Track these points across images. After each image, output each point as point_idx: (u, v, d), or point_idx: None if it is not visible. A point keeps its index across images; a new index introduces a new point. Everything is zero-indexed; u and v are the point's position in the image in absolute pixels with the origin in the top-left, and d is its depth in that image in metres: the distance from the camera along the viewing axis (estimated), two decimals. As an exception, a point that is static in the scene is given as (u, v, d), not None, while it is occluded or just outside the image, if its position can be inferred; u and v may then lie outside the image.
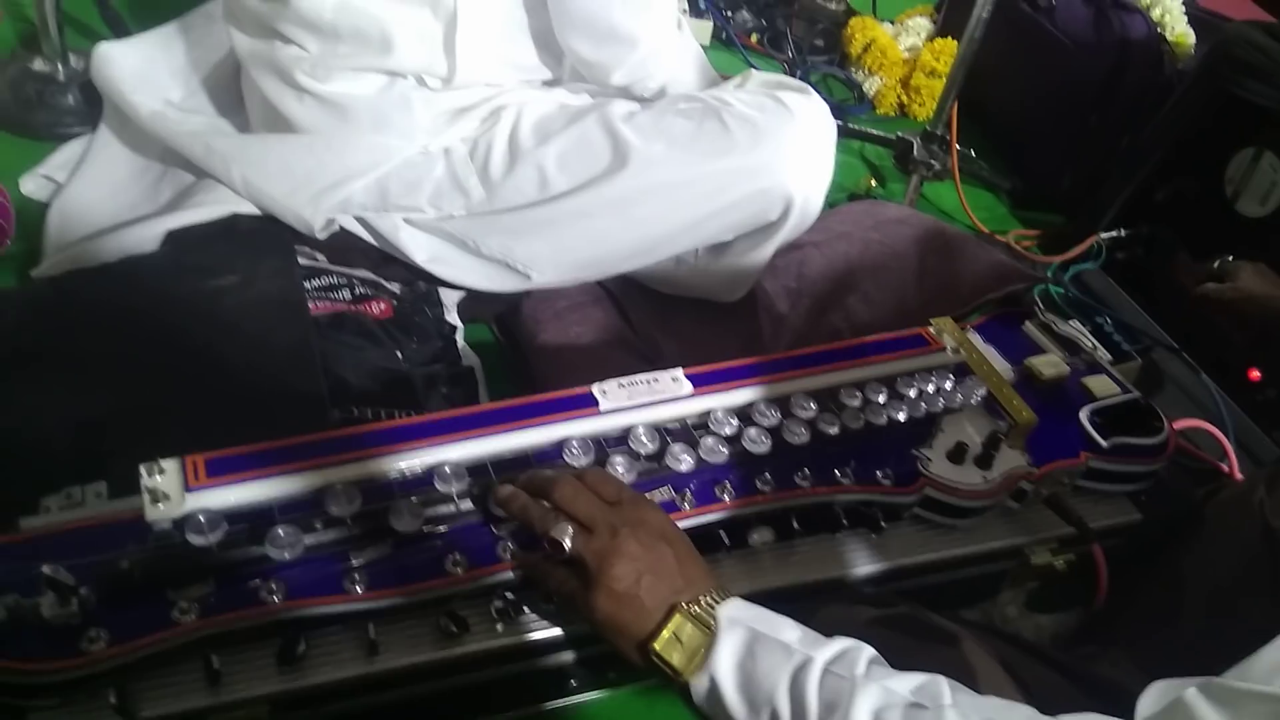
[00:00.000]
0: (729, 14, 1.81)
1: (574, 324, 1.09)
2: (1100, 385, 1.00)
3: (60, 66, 1.26)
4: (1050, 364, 1.00)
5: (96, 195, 1.08)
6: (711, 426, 0.81)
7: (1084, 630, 0.96)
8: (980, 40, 1.42)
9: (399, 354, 0.98)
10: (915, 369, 0.92)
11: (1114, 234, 1.44)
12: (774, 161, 0.97)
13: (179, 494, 0.61)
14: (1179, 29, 1.54)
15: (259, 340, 0.92)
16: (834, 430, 0.84)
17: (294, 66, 0.99)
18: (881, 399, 0.88)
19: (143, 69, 1.15)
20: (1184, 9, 1.60)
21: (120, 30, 1.32)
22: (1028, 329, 1.06)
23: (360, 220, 1.06)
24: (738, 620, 0.61)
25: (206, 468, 0.64)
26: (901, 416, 0.88)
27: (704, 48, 1.75)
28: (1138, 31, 1.52)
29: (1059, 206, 1.61)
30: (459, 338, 1.08)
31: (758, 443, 0.80)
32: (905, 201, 1.50)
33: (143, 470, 0.62)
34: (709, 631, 0.61)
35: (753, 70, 1.09)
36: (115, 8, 1.34)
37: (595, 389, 0.80)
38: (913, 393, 0.89)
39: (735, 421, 0.81)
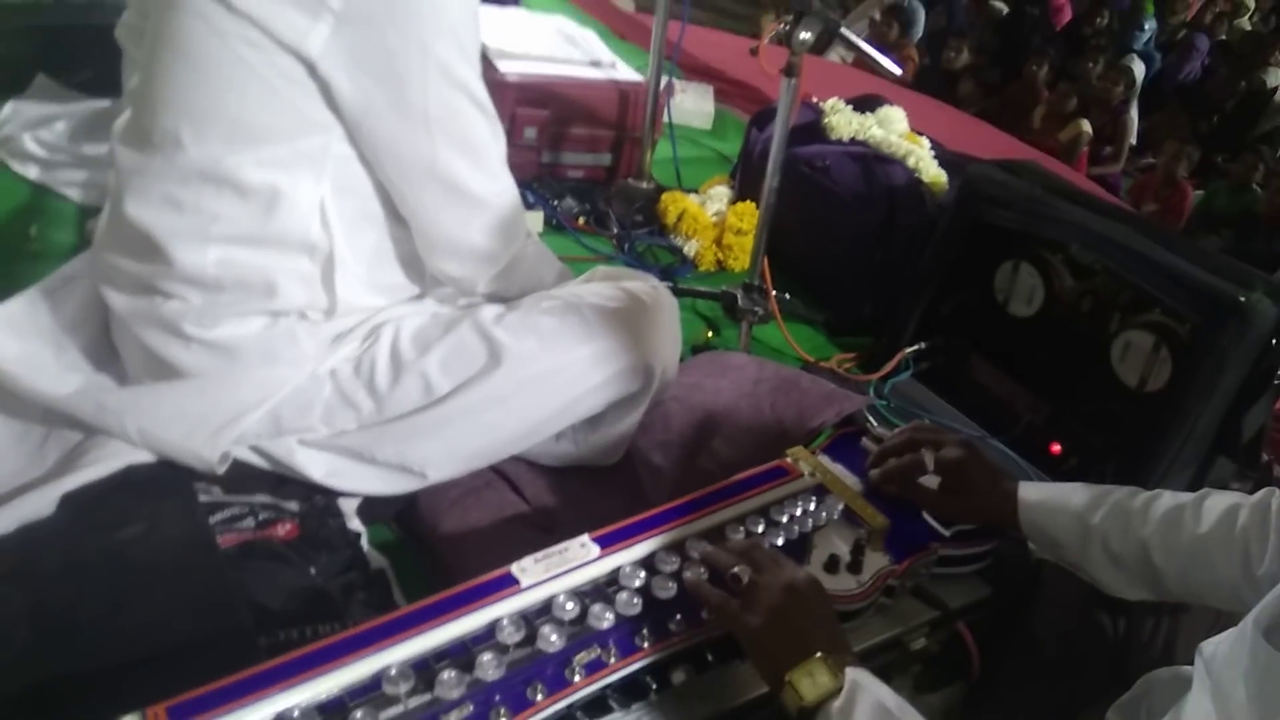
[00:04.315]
0: (556, 203, 2.01)
1: (471, 509, 1.17)
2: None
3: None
4: (891, 473, 1.17)
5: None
6: (622, 582, 0.91)
7: (968, 702, 1.09)
8: (774, 205, 1.66)
9: (312, 570, 1.02)
10: (784, 497, 1.06)
11: (916, 347, 1.68)
12: (631, 342, 1.12)
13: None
14: (932, 172, 1.85)
15: (174, 585, 0.95)
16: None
17: (179, 319, 1.06)
18: (761, 528, 1.01)
19: (10, 338, 1.19)
20: (934, 155, 1.92)
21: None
22: (865, 444, 1.23)
23: (254, 448, 1.12)
24: (863, 685, 0.77)
25: (168, 715, 0.68)
26: (781, 540, 1.01)
27: (539, 234, 1.94)
28: (900, 179, 1.81)
29: (867, 330, 1.85)
30: (364, 543, 1.14)
31: (665, 589, 0.91)
32: (740, 346, 1.69)
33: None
34: (837, 681, 0.78)
35: (599, 267, 1.25)
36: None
37: (514, 568, 0.88)
38: (785, 518, 1.03)
39: (643, 573, 0.91)
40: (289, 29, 0.98)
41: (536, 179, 2.04)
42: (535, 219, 1.91)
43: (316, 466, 1.12)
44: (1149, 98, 6.05)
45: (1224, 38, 7.24)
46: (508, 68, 1.94)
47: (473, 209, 1.13)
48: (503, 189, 1.16)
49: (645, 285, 1.17)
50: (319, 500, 1.15)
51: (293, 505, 1.14)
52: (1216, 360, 1.28)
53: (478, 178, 1.12)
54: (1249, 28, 7.66)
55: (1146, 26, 6.92)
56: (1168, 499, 1.00)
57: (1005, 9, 6.67)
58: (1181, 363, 1.34)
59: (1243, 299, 1.25)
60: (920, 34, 5.83)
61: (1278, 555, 0.90)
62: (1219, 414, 1.32)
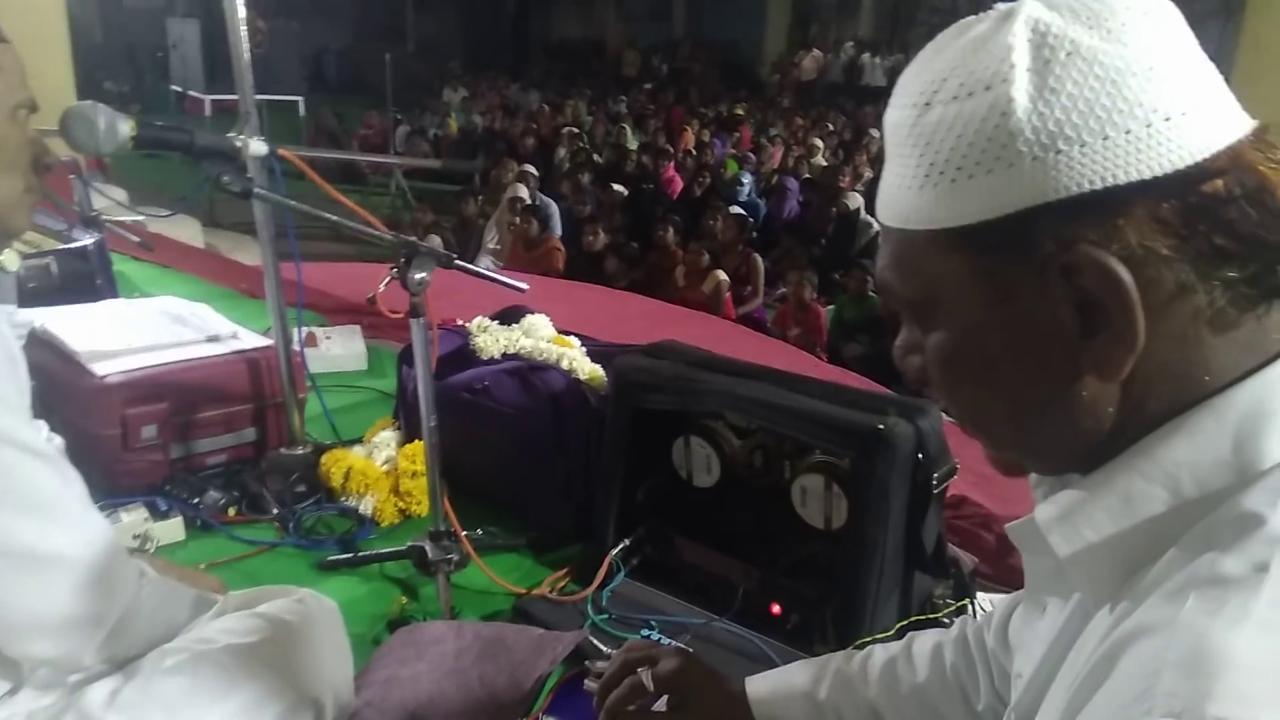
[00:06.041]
0: (196, 501, 1.77)
1: None
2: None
3: None
4: (619, 715, 1.07)
5: None
6: None
7: None
8: (439, 444, 1.56)
9: None
10: (508, 797, 0.92)
11: (621, 546, 1.63)
12: (285, 678, 0.94)
13: None
14: (588, 369, 1.86)
15: None
16: None
17: None
18: None
19: None
20: (586, 351, 1.94)
21: None
22: (587, 686, 1.13)
23: None
24: None
25: None
26: None
27: (182, 543, 1.69)
28: (558, 383, 1.80)
29: (574, 539, 1.78)
30: None
31: None
32: (442, 604, 1.53)
33: None
34: None
35: (229, 594, 1.07)
36: None
37: None
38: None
39: None
40: None
41: (168, 480, 1.80)
42: (172, 528, 1.67)
43: None
44: (766, 238, 6.88)
45: (808, 176, 8.50)
46: (106, 369, 1.73)
47: (54, 572, 0.92)
48: (90, 536, 0.96)
49: (289, 602, 1.01)
50: None
51: None
52: (880, 487, 1.34)
53: (52, 534, 0.92)
54: (825, 163, 9.08)
55: (744, 180, 7.97)
56: (879, 653, 1.00)
57: (625, 191, 7.36)
58: (852, 496, 1.40)
59: (881, 426, 1.33)
60: (560, 227, 6.23)
61: (990, 687, 0.91)
62: (900, 534, 1.38)
